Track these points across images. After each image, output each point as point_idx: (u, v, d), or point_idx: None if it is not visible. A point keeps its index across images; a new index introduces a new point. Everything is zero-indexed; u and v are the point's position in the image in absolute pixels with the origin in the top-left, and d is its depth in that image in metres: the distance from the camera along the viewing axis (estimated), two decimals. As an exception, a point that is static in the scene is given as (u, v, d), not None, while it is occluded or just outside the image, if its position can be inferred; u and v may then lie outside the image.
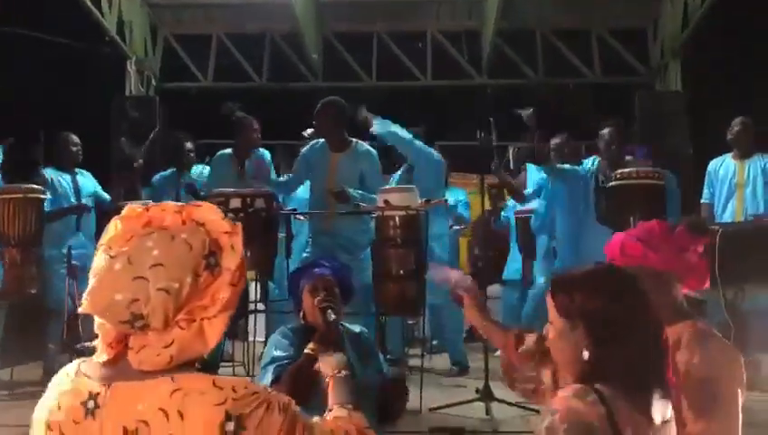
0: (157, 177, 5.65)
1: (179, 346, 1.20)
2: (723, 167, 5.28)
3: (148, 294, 1.17)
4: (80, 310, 1.21)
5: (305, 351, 2.22)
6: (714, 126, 5.56)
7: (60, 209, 5.03)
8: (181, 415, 1.16)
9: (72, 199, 5.15)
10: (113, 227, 1.25)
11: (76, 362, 1.28)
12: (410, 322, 5.69)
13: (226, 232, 1.26)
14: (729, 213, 5.18)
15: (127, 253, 1.20)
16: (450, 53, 8.29)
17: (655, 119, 6.92)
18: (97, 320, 1.21)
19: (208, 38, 8.34)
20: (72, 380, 1.24)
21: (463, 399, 3.92)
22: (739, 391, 1.83)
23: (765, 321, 4.75)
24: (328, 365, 1.76)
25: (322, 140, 4.70)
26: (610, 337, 1.49)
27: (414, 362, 4.71)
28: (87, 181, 5.34)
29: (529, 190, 5.52)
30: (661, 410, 1.50)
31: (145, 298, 1.17)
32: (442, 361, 5.38)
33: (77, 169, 5.31)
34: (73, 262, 4.62)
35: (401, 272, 3.88)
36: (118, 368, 1.21)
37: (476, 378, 4.46)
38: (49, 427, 1.23)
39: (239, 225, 1.28)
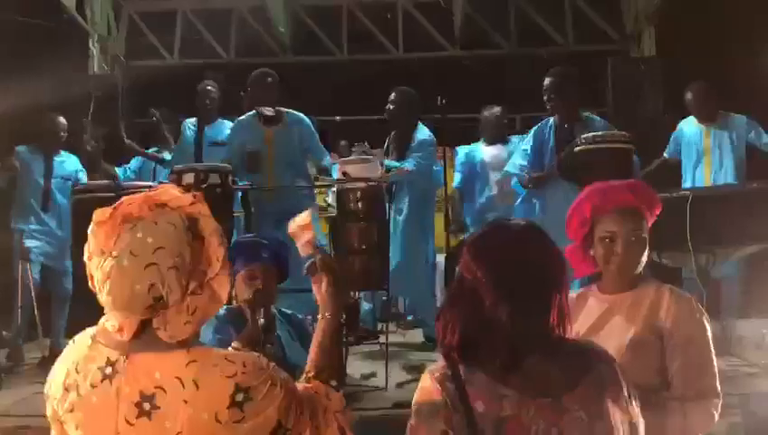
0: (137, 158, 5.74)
1: (201, 310, 1.34)
2: (689, 131, 5.17)
3: (162, 275, 1.29)
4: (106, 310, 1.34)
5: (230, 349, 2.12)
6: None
7: None
8: (196, 384, 1.28)
9: (41, 182, 5.03)
10: (93, 234, 1.36)
11: (90, 329, 1.40)
12: (384, 298, 5.60)
13: (190, 203, 1.37)
14: (698, 179, 5.09)
15: (126, 248, 1.31)
16: (422, 25, 8.12)
17: (628, 85, 6.80)
18: (118, 315, 1.32)
19: (173, 14, 8.12)
20: (87, 346, 1.36)
21: (431, 373, 3.85)
22: (708, 324, 1.93)
23: (737, 286, 4.71)
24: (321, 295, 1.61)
25: (249, 113, 4.60)
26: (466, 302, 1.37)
27: (391, 338, 4.64)
28: (67, 164, 5.19)
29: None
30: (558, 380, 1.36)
31: (161, 280, 1.29)
32: (417, 336, 5.30)
33: (61, 152, 5.19)
34: (27, 243, 4.52)
35: (363, 246, 3.78)
36: (134, 340, 1.32)
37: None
38: (66, 388, 1.35)
39: (199, 194, 1.41)
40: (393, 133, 5.08)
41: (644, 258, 1.94)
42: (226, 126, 5.21)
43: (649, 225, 1.96)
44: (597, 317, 1.95)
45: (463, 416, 1.30)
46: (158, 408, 1.28)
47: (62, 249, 4.98)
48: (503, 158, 5.23)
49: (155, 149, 5.72)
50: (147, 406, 1.28)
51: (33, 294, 4.61)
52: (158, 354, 1.31)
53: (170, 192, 1.40)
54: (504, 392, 1.32)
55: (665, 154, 5.32)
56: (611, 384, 1.39)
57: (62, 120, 5.15)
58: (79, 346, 1.38)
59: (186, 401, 1.27)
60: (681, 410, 1.82)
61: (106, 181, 4.83)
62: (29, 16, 6.97)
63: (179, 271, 1.31)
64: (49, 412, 1.42)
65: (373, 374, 3.97)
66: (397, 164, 4.74)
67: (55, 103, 5.83)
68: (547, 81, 4.49)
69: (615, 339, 1.87)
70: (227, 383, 1.29)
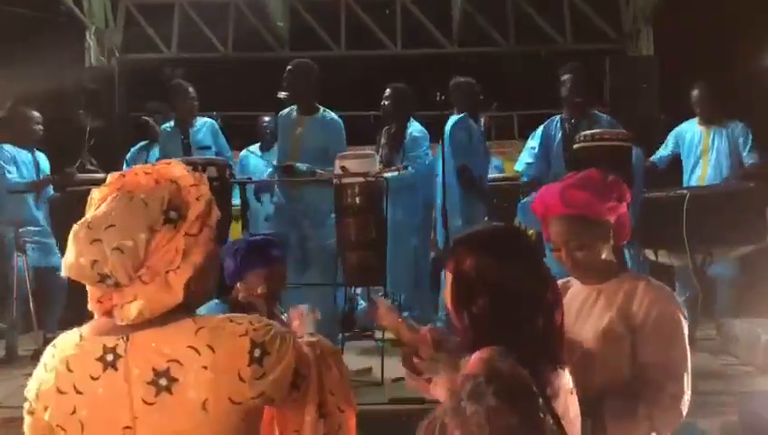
0: (131, 151, 5.68)
1: (144, 299, 1.25)
2: (689, 132, 5.18)
3: (105, 254, 1.23)
4: (61, 273, 1.29)
5: None
6: (686, 92, 5.45)
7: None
8: (212, 348, 1.26)
9: (34, 176, 5.04)
10: (91, 196, 1.32)
11: (73, 330, 1.33)
12: (380, 294, 5.59)
13: (192, 185, 1.32)
14: (694, 181, 5.10)
15: (89, 219, 1.27)
16: (420, 21, 8.11)
17: (626, 85, 6.80)
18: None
19: (171, 7, 8.10)
20: (76, 344, 1.30)
21: (426, 369, 3.85)
22: (684, 320, 1.87)
23: (733, 285, 4.72)
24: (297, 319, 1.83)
25: (290, 108, 4.56)
26: (505, 301, 1.41)
27: (387, 334, 4.63)
28: (43, 160, 5.20)
29: None
30: (563, 379, 1.42)
31: (103, 259, 1.23)
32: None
33: (35, 148, 5.17)
34: (24, 238, 4.50)
35: (361, 241, 3.77)
36: (127, 323, 1.27)
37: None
38: (60, 391, 1.28)
39: (203, 176, 1.35)
40: (386, 129, 5.08)
41: (603, 254, 1.89)
42: (207, 126, 5.18)
43: (614, 217, 1.89)
44: (576, 307, 1.93)
45: (547, 402, 1.30)
46: (177, 380, 1.25)
47: (51, 244, 4.98)
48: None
49: (146, 143, 5.68)
50: (164, 381, 1.25)
51: (28, 286, 4.58)
52: (161, 329, 1.27)
53: (179, 169, 1.35)
54: (560, 383, 1.39)
55: (654, 159, 5.23)
56: None
57: (36, 114, 5.11)
58: (64, 347, 1.32)
59: (205, 367, 1.25)
60: (648, 414, 1.77)
61: (101, 175, 4.82)
62: (26, 7, 6.94)
63: (124, 254, 1.23)
64: (29, 428, 1.35)
65: (369, 370, 3.96)
66: (396, 174, 4.73)
67: (51, 95, 5.82)
68: (566, 76, 4.54)
69: (591, 329, 1.86)
70: (243, 341, 1.29)
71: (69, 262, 1.26)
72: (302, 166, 4.23)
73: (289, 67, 4.49)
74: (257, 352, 1.29)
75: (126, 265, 1.23)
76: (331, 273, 4.13)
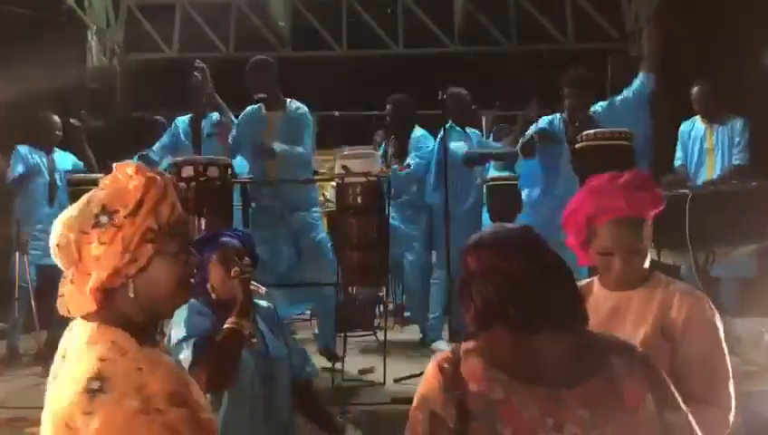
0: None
1: (66, 298, 1.25)
2: (693, 130, 5.16)
3: (55, 245, 1.26)
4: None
5: (227, 326, 2.06)
6: (688, 91, 5.43)
7: None
8: (70, 358, 1.21)
9: (47, 177, 5.07)
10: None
11: None
12: (380, 294, 5.60)
13: (132, 189, 1.25)
14: (701, 178, 5.08)
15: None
16: (422, 20, 8.10)
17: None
18: None
19: (172, 7, 8.09)
20: None
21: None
22: (720, 327, 1.84)
23: (736, 285, 4.71)
24: None
25: (256, 105, 4.49)
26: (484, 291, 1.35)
27: (389, 333, 4.63)
28: (64, 159, 5.22)
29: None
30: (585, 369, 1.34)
31: (54, 248, 1.27)
32: (415, 331, 5.29)
33: (55, 149, 5.21)
34: (28, 237, 4.52)
35: (363, 241, 3.76)
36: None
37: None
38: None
39: (145, 179, 1.26)
40: (390, 138, 5.12)
41: (647, 262, 1.84)
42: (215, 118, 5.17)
43: (651, 221, 1.85)
44: (604, 315, 1.83)
45: (456, 396, 1.33)
46: (56, 377, 1.21)
47: None
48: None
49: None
50: (56, 371, 1.22)
51: (29, 286, 4.58)
52: (81, 323, 1.25)
53: (132, 169, 1.29)
54: (496, 376, 1.33)
55: (677, 162, 5.19)
56: (630, 379, 1.33)
57: (56, 118, 5.16)
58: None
59: (56, 376, 1.20)
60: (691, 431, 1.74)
61: (97, 175, 4.83)
62: (27, 7, 6.93)
63: (60, 250, 1.25)
64: None
65: (371, 370, 3.96)
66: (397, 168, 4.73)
67: (52, 95, 5.81)
68: (567, 90, 4.57)
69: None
70: (92, 365, 1.15)
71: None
72: (278, 147, 4.18)
73: (249, 67, 4.43)
74: (94, 384, 1.12)
75: (63, 260, 1.26)
76: (326, 270, 4.12)
